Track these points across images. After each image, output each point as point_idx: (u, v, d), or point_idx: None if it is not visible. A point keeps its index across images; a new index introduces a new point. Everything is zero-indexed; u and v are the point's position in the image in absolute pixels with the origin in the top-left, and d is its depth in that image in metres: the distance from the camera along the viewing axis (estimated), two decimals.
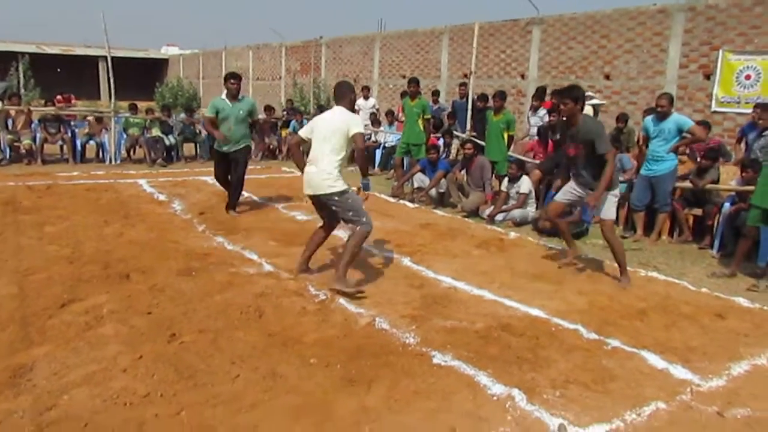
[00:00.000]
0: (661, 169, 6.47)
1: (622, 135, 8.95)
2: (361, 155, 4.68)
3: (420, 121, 8.83)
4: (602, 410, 2.97)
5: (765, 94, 8.97)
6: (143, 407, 2.86)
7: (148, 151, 11.37)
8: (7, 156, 10.75)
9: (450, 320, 4.05)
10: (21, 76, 20.82)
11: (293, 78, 19.81)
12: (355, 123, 4.62)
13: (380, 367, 3.31)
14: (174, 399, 2.93)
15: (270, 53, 21.81)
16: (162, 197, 8.09)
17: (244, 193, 7.54)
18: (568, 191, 5.41)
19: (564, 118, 5.30)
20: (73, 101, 12.62)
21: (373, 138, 12.10)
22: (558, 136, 6.05)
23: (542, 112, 9.12)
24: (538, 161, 8.20)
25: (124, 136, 11.67)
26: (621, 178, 7.23)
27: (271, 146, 13.04)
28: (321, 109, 13.59)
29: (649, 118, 6.68)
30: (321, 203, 4.77)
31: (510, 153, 8.47)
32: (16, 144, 10.84)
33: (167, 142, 11.72)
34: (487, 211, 7.57)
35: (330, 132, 4.56)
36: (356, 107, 12.76)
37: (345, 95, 4.72)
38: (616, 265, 5.24)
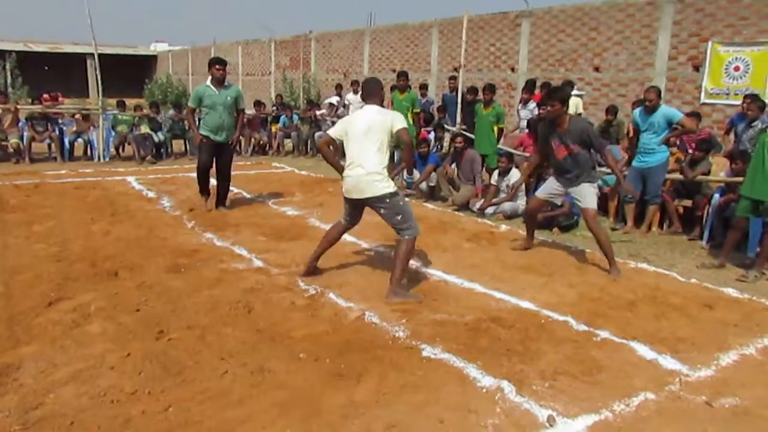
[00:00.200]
0: (653, 161, 6.48)
1: (611, 127, 8.97)
2: (409, 151, 4.59)
3: (409, 115, 8.80)
4: (591, 401, 2.98)
5: (754, 85, 9.02)
6: (130, 404, 2.84)
7: (137, 149, 11.28)
8: None
9: (440, 313, 4.04)
10: (8, 74, 20.62)
11: (283, 73, 19.74)
12: (399, 119, 4.40)
13: (369, 361, 3.30)
14: (161, 396, 2.91)
15: (259, 48, 21.72)
16: (151, 194, 8.04)
17: (233, 188, 7.50)
18: (550, 188, 5.56)
19: (549, 120, 5.28)
20: (60, 99, 12.46)
21: None
22: (538, 137, 6.05)
23: (532, 105, 9.12)
24: (528, 154, 8.19)
25: (113, 133, 11.58)
26: (604, 170, 7.29)
27: (261, 142, 12.99)
28: (311, 104, 13.59)
29: (638, 110, 6.69)
30: (360, 206, 4.52)
31: (500, 146, 8.46)
32: (3, 143, 10.75)
33: (156, 139, 11.64)
34: (478, 204, 7.57)
35: (373, 130, 4.28)
36: (346, 101, 12.77)
37: (375, 92, 4.51)
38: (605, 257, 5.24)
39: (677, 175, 6.77)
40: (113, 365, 3.21)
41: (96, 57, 11.34)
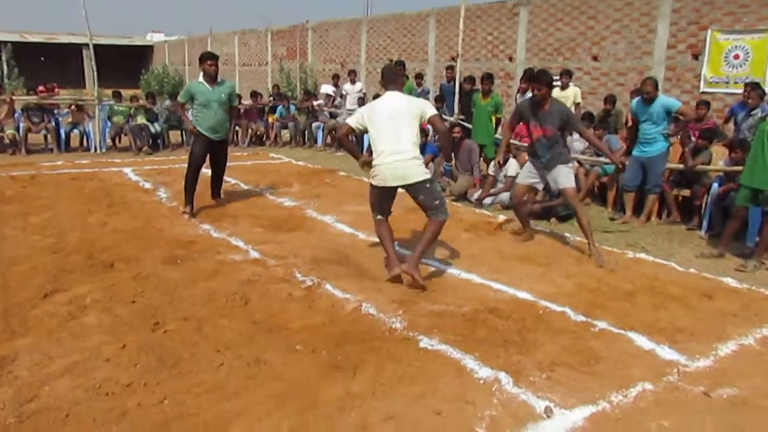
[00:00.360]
0: (653, 151, 6.45)
1: (610, 117, 8.92)
2: (446, 139, 4.56)
3: None
4: (588, 392, 2.96)
5: (754, 73, 8.98)
6: (125, 397, 2.82)
7: (134, 139, 11.24)
8: None
9: (437, 304, 4.02)
10: (4, 65, 20.52)
11: (279, 63, 19.63)
12: (429, 106, 4.37)
13: (366, 353, 3.28)
14: (157, 388, 2.89)
15: (256, 38, 21.59)
16: (147, 185, 8.01)
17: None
18: (528, 173, 5.64)
19: (534, 102, 5.41)
20: (56, 91, 12.39)
21: None
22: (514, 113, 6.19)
23: (530, 94, 9.05)
24: (526, 144, 8.16)
25: (109, 124, 11.53)
26: (603, 159, 7.28)
27: (258, 132, 12.93)
28: (308, 94, 13.52)
29: (637, 100, 6.65)
30: (391, 195, 4.44)
31: (498, 136, 8.42)
32: None
33: (152, 130, 11.60)
34: (476, 194, 7.55)
35: (402, 115, 4.24)
36: (343, 92, 12.71)
37: (396, 79, 4.47)
38: (605, 248, 5.24)
39: (678, 165, 6.73)
40: (109, 357, 3.19)
41: (91, 47, 11.27)
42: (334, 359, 3.21)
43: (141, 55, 31.66)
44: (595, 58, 11.28)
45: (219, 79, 6.59)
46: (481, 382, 3.03)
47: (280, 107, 13.16)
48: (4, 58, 20.59)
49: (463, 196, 7.72)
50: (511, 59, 12.85)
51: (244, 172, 8.85)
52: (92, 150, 11.22)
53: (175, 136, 12.25)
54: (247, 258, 4.99)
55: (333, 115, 12.86)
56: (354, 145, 4.49)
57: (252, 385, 2.94)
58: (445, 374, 3.08)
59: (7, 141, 10.68)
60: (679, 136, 6.94)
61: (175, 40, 29.47)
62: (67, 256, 4.90)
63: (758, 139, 5.16)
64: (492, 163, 7.74)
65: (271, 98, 13.99)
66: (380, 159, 4.28)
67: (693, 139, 6.97)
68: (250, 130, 12.78)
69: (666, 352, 3.44)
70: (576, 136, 8.45)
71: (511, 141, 8.18)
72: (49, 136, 11.09)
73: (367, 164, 4.45)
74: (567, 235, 6.13)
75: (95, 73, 11.44)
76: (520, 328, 3.68)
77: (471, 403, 2.82)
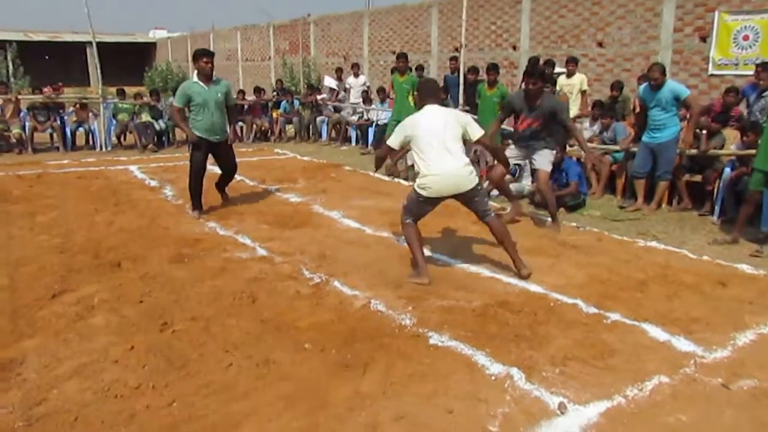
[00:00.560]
0: (664, 137, 6.36)
1: (617, 103, 8.81)
2: (500, 152, 4.91)
3: (410, 98, 8.67)
4: (603, 386, 2.90)
5: (764, 54, 8.81)
6: (134, 399, 2.79)
7: (139, 137, 11.24)
8: None
9: (447, 299, 3.97)
10: (9, 64, 20.55)
11: (282, 58, 19.55)
12: (472, 122, 4.47)
13: (375, 350, 3.23)
14: (165, 390, 2.86)
15: (258, 33, 21.52)
16: (153, 183, 7.99)
17: (236, 176, 7.39)
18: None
19: (530, 95, 5.60)
20: (62, 90, 12.39)
21: (365, 116, 11.95)
22: (505, 106, 6.30)
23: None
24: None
25: (114, 122, 11.52)
26: (617, 147, 7.20)
27: (263, 128, 12.89)
28: (311, 88, 13.44)
29: (645, 86, 6.55)
30: (436, 204, 4.43)
31: (504, 126, 8.33)
32: (5, 133, 10.73)
33: (157, 127, 11.57)
34: (483, 185, 7.46)
35: (449, 126, 4.26)
36: (346, 85, 12.64)
37: (435, 93, 4.53)
38: (615, 236, 5.19)
39: (692, 150, 6.63)
40: (117, 359, 3.17)
41: (94, 45, 11.26)
42: (343, 358, 3.17)
43: (144, 52, 31.67)
44: (600, 45, 11.15)
45: (214, 77, 6.21)
46: (493, 378, 2.98)
47: (284, 102, 13.10)
48: (9, 58, 20.61)
49: None
50: (515, 48, 12.72)
51: (249, 169, 8.81)
52: (98, 148, 11.22)
53: (180, 133, 12.19)
54: (254, 255, 4.95)
55: (337, 109, 12.80)
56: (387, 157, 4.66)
57: (261, 385, 2.91)
58: (456, 371, 3.04)
59: (14, 140, 10.70)
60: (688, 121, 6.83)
61: (177, 36, 29.46)
62: (74, 255, 4.89)
63: None
64: None
65: (275, 93, 13.93)
66: (431, 170, 4.21)
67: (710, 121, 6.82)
68: (254, 126, 12.73)
69: (682, 344, 3.38)
70: (587, 125, 8.39)
71: None
72: (55, 135, 11.10)
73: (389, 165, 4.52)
74: (576, 224, 6.06)
75: (99, 71, 11.42)
76: (531, 322, 3.62)
77: (483, 400, 2.77)
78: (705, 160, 6.58)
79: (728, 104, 7.13)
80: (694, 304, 3.97)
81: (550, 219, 5.91)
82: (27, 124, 10.79)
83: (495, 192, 7.31)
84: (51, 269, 4.53)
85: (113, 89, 12.68)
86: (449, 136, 4.25)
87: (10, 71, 20.37)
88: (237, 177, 7.51)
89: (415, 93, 4.65)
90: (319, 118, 12.81)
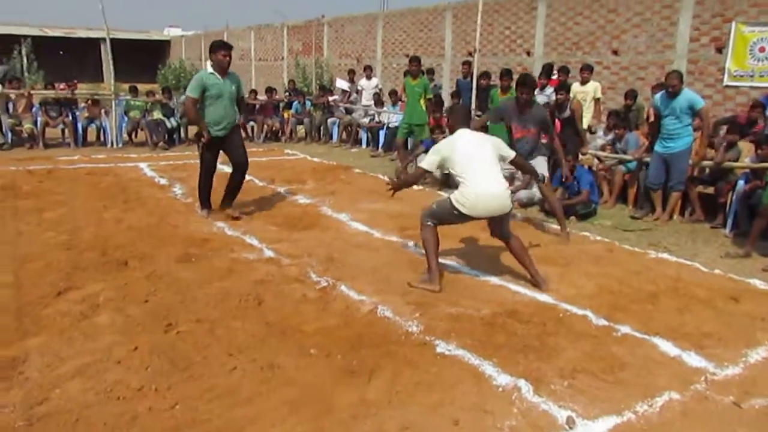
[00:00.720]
0: (677, 147, 6.29)
1: (630, 112, 8.72)
2: (528, 167, 4.96)
3: (422, 101, 8.64)
4: (612, 401, 2.85)
5: None
6: (136, 401, 2.77)
7: (150, 135, 11.26)
8: (9, 140, 10.69)
9: (455, 307, 3.92)
10: (24, 59, 20.70)
11: (295, 58, 19.58)
12: (504, 145, 4.53)
13: (382, 357, 3.19)
14: (168, 393, 2.83)
15: (272, 33, 21.56)
16: (163, 181, 7.99)
17: (246, 176, 7.33)
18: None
19: (521, 105, 5.73)
20: (76, 87, 12.44)
21: (376, 119, 11.93)
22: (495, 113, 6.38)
23: (549, 90, 8.90)
24: (543, 141, 8.01)
25: (126, 119, 11.55)
26: (629, 156, 7.13)
27: (274, 128, 12.88)
28: (323, 89, 13.41)
29: (660, 94, 6.48)
30: (467, 219, 4.36)
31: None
32: (17, 128, 10.78)
33: (169, 125, 11.59)
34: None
35: (485, 149, 4.30)
36: (359, 87, 12.61)
37: (467, 119, 4.57)
38: (626, 247, 5.12)
39: (708, 161, 6.54)
40: (120, 359, 3.14)
41: (108, 42, 11.28)
42: (349, 364, 3.13)
43: (158, 49, 31.79)
44: (615, 52, 11.07)
45: (228, 71, 6.07)
46: (500, 390, 2.93)
47: (295, 103, 13.09)
48: (24, 52, 20.76)
49: None
50: (528, 54, 12.66)
51: (259, 169, 8.78)
52: (109, 145, 11.25)
53: (191, 131, 12.22)
54: (261, 257, 4.93)
55: (348, 111, 12.78)
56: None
57: (265, 390, 2.88)
58: (463, 381, 2.99)
59: (25, 135, 10.75)
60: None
61: (191, 35, 29.58)
62: (81, 253, 4.88)
63: None
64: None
65: (287, 94, 13.93)
66: (478, 188, 4.16)
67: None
68: (265, 126, 12.73)
69: (693, 359, 3.32)
70: (600, 133, 8.33)
71: None
72: (66, 131, 11.14)
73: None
74: (586, 233, 6.00)
75: (112, 68, 11.46)
76: (540, 333, 3.57)
77: (490, 412, 2.72)
78: (719, 172, 6.49)
79: (753, 119, 7.05)
80: (705, 318, 3.90)
81: (559, 227, 5.88)
82: (39, 119, 10.83)
83: None
84: (57, 266, 4.51)
85: (126, 86, 12.72)
86: (488, 158, 4.27)
87: (25, 66, 20.52)
88: (246, 177, 7.48)
89: (449, 113, 4.63)
90: (330, 120, 12.79)
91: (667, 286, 4.47)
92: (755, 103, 7.26)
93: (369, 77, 12.58)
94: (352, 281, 4.35)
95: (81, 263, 4.61)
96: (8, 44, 20.76)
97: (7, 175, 7.97)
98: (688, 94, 6.26)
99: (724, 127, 7.17)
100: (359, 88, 12.67)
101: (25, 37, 21.61)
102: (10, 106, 10.92)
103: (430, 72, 11.70)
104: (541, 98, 9.13)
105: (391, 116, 11.37)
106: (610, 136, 7.86)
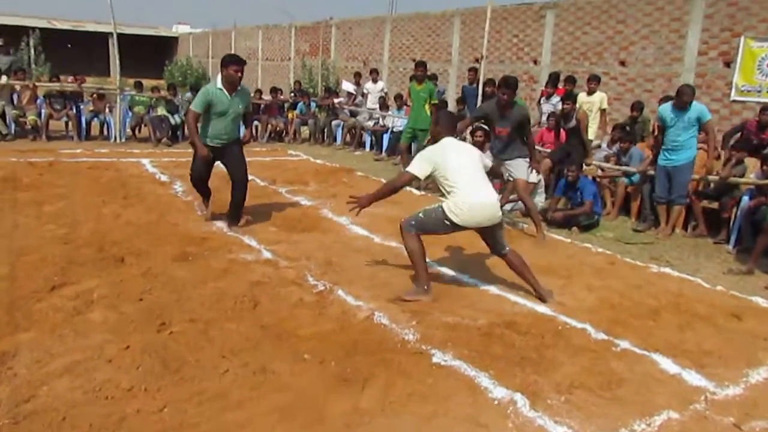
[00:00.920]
0: (680, 159, 6.24)
1: (636, 124, 8.68)
2: (497, 168, 5.02)
3: (427, 106, 8.59)
4: (609, 418, 2.79)
5: None
6: (125, 402, 2.71)
7: (153, 130, 11.22)
8: (12, 131, 10.67)
9: (452, 316, 3.87)
10: (32, 51, 20.72)
11: (302, 59, 19.55)
12: (482, 154, 4.53)
13: (376, 365, 3.14)
14: (158, 394, 2.78)
15: (279, 34, 21.54)
16: (164, 178, 7.94)
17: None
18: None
19: (501, 106, 5.91)
20: (84, 81, 12.42)
21: (381, 122, 11.89)
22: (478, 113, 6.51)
23: (555, 99, 8.87)
24: (548, 150, 7.97)
25: (130, 114, 11.52)
26: (634, 169, 7.07)
27: (278, 128, 12.85)
28: (329, 91, 13.38)
29: (667, 106, 6.43)
30: (458, 230, 4.28)
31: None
32: (21, 119, 10.77)
33: (172, 122, 11.56)
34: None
35: (474, 159, 4.26)
36: (364, 90, 12.56)
37: (454, 128, 4.55)
38: (628, 260, 5.06)
39: (714, 177, 6.49)
40: (111, 358, 3.09)
41: (115, 36, 11.29)
42: (343, 371, 3.08)
43: (166, 46, 31.80)
44: (622, 63, 11.02)
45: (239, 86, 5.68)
46: (496, 403, 2.87)
47: (300, 104, 13.06)
48: (32, 44, 20.78)
49: None
50: (535, 62, 12.61)
51: (261, 168, 8.74)
52: (112, 139, 11.23)
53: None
54: (259, 258, 4.88)
55: (353, 114, 12.74)
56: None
57: (256, 395, 2.82)
58: (457, 393, 2.93)
59: (29, 127, 10.73)
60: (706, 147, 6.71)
61: (199, 32, 29.56)
62: (77, 248, 4.83)
63: None
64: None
65: (292, 94, 13.90)
66: (470, 198, 4.05)
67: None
68: (269, 126, 12.70)
69: (693, 378, 3.26)
70: (604, 145, 8.29)
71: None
72: (70, 124, 11.11)
73: None
74: (588, 245, 5.94)
75: (118, 62, 11.44)
76: (537, 345, 3.52)
77: (484, 426, 2.67)
78: (723, 186, 6.44)
79: (764, 123, 6.99)
80: (706, 336, 3.84)
81: (534, 228, 6.03)
82: (43, 111, 10.82)
83: (507, 206, 7.21)
84: (53, 260, 4.46)
85: (131, 81, 12.70)
86: (478, 167, 4.24)
87: (32, 58, 20.54)
88: (248, 176, 7.40)
89: (436, 121, 4.55)
90: (334, 122, 12.76)
91: (668, 302, 4.41)
92: (766, 106, 7.21)
93: (375, 81, 12.54)
94: (350, 286, 4.29)
95: (77, 258, 4.56)
96: (16, 35, 20.79)
97: (7, 166, 7.93)
98: (698, 107, 6.22)
99: (734, 137, 7.16)
100: (365, 91, 12.63)
101: (33, 28, 21.62)
102: (15, 97, 10.91)
103: (433, 77, 11.64)
104: (546, 107, 9.12)
105: (396, 120, 11.33)
106: (615, 148, 7.82)
